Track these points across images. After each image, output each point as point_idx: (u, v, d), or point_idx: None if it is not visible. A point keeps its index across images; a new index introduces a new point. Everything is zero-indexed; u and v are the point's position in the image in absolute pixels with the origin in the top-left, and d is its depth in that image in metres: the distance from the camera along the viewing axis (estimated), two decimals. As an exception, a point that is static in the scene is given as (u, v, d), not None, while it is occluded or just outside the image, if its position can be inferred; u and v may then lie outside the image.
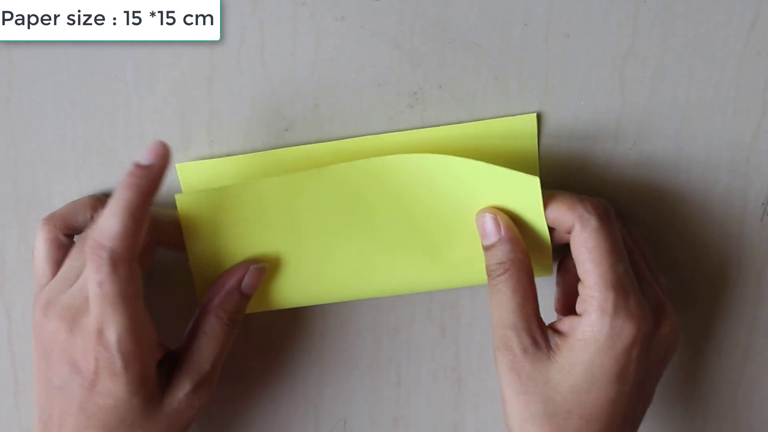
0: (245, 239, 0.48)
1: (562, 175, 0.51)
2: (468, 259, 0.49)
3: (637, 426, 0.47)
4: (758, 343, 0.55)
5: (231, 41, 0.47)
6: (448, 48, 0.48)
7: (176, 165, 0.49)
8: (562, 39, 0.48)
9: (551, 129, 0.50)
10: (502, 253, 0.46)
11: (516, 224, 0.47)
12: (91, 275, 0.41)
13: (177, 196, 0.47)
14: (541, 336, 0.45)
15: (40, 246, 0.47)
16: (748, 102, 0.50)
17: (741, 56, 0.49)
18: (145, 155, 0.43)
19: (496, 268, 0.46)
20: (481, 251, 0.48)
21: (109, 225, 0.41)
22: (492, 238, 0.47)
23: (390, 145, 0.49)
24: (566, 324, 0.45)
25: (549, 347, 0.45)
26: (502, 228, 0.46)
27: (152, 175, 0.43)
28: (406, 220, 0.49)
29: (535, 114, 0.49)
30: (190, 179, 0.49)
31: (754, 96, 0.49)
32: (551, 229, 0.47)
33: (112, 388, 0.43)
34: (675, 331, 0.47)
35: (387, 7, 0.47)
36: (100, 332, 0.42)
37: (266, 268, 0.48)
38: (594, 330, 0.44)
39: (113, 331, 0.42)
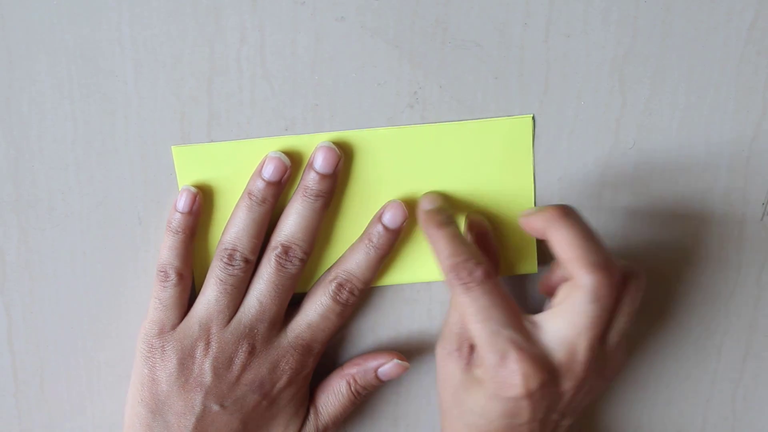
0: (239, 197, 0.49)
1: (561, 176, 0.51)
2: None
3: None
4: (758, 343, 0.55)
5: (231, 41, 0.47)
6: (448, 48, 0.48)
7: (172, 147, 0.49)
8: (562, 39, 0.48)
9: (551, 129, 0.50)
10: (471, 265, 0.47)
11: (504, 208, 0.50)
12: (337, 306, 0.49)
13: (173, 148, 0.49)
14: (470, 358, 0.47)
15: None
16: (748, 102, 0.50)
17: (741, 56, 0.49)
18: (391, 219, 0.49)
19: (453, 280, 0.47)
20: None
21: (368, 275, 0.50)
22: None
23: (387, 140, 0.49)
24: (478, 352, 0.47)
25: (469, 362, 0.47)
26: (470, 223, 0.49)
27: (397, 239, 0.50)
28: (403, 191, 0.50)
29: (531, 116, 0.49)
30: (185, 162, 0.49)
31: (754, 96, 0.49)
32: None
33: (290, 400, 0.50)
34: (579, 388, 0.46)
35: (387, 7, 0.47)
36: (308, 347, 0.50)
37: (408, 367, 0.52)
38: (486, 375, 0.45)
39: (318, 346, 0.50)
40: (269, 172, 0.48)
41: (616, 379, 0.48)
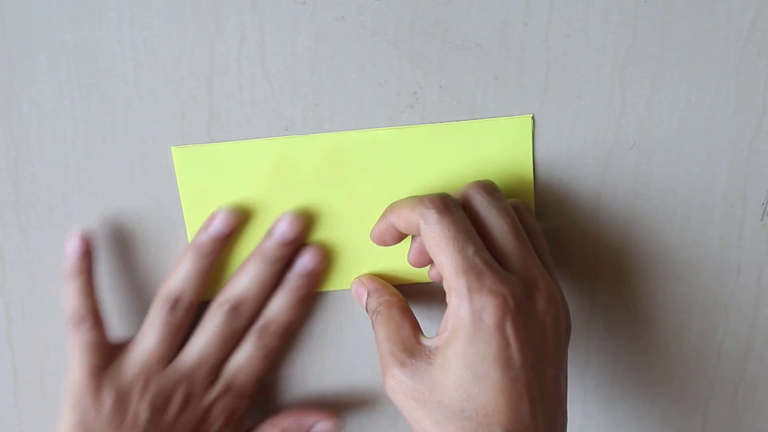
0: (239, 197, 0.50)
1: (561, 176, 0.51)
2: None
3: (555, 419, 0.44)
4: (758, 343, 0.55)
5: (231, 41, 0.47)
6: (448, 48, 0.48)
7: (172, 148, 0.49)
8: (562, 39, 0.48)
9: (551, 128, 0.50)
10: (373, 302, 0.49)
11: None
12: (258, 351, 0.50)
13: (173, 149, 0.49)
14: (417, 348, 0.44)
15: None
16: (748, 102, 0.50)
17: (741, 56, 0.49)
18: (309, 263, 0.50)
19: (372, 314, 0.48)
20: None
21: (290, 316, 0.51)
22: (364, 297, 0.50)
23: (387, 140, 0.49)
24: (441, 325, 0.44)
25: (428, 353, 0.44)
26: (366, 284, 0.50)
27: (317, 281, 0.51)
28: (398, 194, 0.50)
29: (531, 116, 0.49)
30: (185, 163, 0.49)
31: (754, 96, 0.49)
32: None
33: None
34: (554, 305, 0.44)
35: (387, 7, 0.47)
36: (241, 391, 0.51)
37: (338, 429, 0.52)
38: (458, 317, 0.43)
39: (251, 387, 0.51)
40: (217, 226, 0.49)
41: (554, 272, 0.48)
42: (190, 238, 0.51)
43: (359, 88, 0.49)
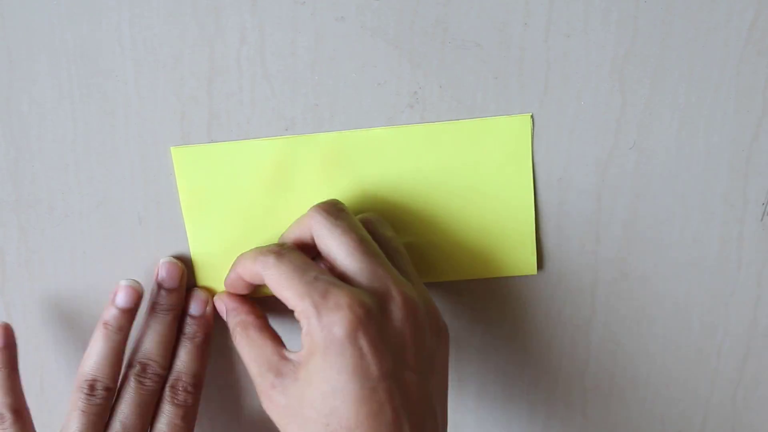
0: (238, 197, 0.50)
1: (561, 176, 0.51)
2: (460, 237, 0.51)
3: (424, 424, 0.44)
4: (758, 343, 0.55)
5: (231, 41, 0.47)
6: (448, 48, 0.48)
7: (171, 149, 0.49)
8: (562, 39, 0.48)
9: (551, 128, 0.50)
10: (231, 322, 0.49)
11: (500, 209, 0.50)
12: (179, 410, 0.50)
13: (172, 149, 0.49)
14: (282, 364, 0.45)
15: None
16: (748, 102, 0.50)
17: (741, 56, 0.49)
18: (194, 310, 0.51)
19: (232, 334, 0.48)
20: (473, 238, 0.51)
21: (196, 368, 0.51)
22: (224, 315, 0.50)
23: (387, 140, 0.49)
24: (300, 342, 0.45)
25: (293, 368, 0.45)
26: (225, 302, 0.50)
27: (210, 324, 0.52)
28: (397, 193, 0.50)
29: (530, 114, 0.49)
30: (185, 163, 0.49)
31: (754, 96, 0.49)
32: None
33: None
34: (412, 311, 0.44)
35: (387, 7, 0.47)
36: None
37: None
38: (311, 336, 0.43)
39: None
40: (122, 299, 0.49)
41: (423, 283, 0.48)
42: (190, 239, 0.51)
43: (359, 88, 0.49)
